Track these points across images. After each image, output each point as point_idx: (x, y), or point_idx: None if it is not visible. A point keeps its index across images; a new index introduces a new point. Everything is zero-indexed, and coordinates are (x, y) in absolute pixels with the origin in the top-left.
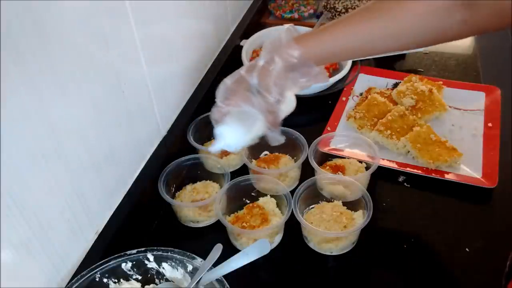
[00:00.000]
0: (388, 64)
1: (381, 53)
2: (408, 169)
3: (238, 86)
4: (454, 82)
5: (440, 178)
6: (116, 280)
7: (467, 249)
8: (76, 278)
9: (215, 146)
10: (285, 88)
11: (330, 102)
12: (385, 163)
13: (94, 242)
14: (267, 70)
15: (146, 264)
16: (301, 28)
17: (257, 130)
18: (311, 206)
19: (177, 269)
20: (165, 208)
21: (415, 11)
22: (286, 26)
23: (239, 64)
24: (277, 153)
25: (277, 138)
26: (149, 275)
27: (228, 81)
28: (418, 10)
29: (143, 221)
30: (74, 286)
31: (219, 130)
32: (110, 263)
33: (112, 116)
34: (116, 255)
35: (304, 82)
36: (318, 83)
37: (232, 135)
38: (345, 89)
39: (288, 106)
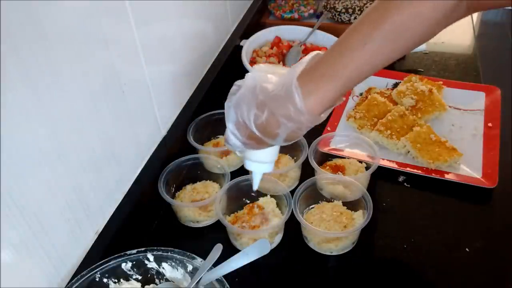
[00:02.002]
0: None
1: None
2: (408, 169)
3: (258, 143)
4: (454, 82)
5: (440, 178)
6: (116, 280)
7: (467, 249)
8: (76, 278)
9: (256, 182)
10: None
11: None
12: (385, 163)
13: (94, 242)
14: (295, 134)
15: (146, 264)
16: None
17: (276, 149)
18: (311, 206)
19: (177, 269)
20: (165, 208)
21: (420, 17)
22: (291, 72)
23: (239, 64)
24: None
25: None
26: (149, 275)
27: (239, 135)
28: (424, 17)
29: (143, 221)
30: (74, 286)
31: (249, 166)
32: (110, 263)
33: (112, 116)
34: (116, 255)
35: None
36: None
37: (263, 165)
38: None
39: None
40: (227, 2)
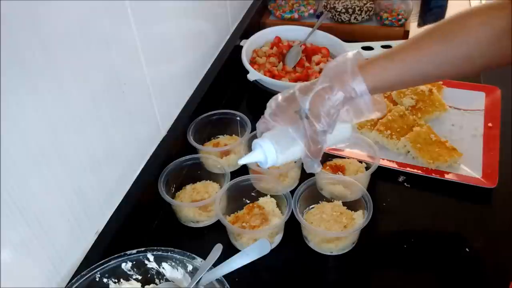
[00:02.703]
0: None
1: (446, 78)
2: (408, 169)
3: (289, 105)
4: (454, 82)
5: (440, 178)
6: (116, 280)
7: (467, 249)
8: (76, 278)
9: (245, 158)
10: (337, 120)
11: None
12: (385, 163)
13: (94, 242)
14: (322, 97)
15: (146, 264)
16: (366, 53)
17: (294, 153)
18: (311, 206)
19: (177, 269)
20: (165, 208)
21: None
22: (353, 52)
23: (239, 64)
24: None
25: (313, 167)
26: (149, 275)
27: (280, 96)
28: (485, 33)
29: (143, 221)
30: (74, 286)
31: (256, 142)
32: (110, 263)
33: (112, 116)
34: (116, 255)
35: (361, 114)
36: (376, 115)
37: (267, 151)
38: None
39: (339, 135)
40: (227, 2)
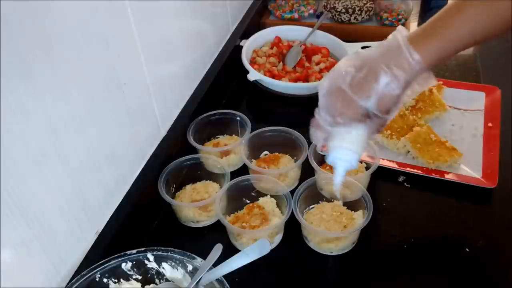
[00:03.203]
0: None
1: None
2: (408, 169)
3: (347, 108)
4: (454, 82)
5: (440, 178)
6: (116, 280)
7: (467, 249)
8: (76, 278)
9: (338, 177)
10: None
11: None
12: (385, 163)
13: (94, 242)
14: (389, 94)
15: (146, 264)
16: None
17: (364, 141)
18: (311, 206)
19: (177, 269)
20: (165, 208)
21: None
22: (398, 31)
23: (239, 64)
24: (277, 153)
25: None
26: (149, 275)
27: (327, 98)
28: None
29: (143, 221)
30: (74, 286)
31: (331, 159)
32: (110, 263)
33: (112, 116)
34: (116, 255)
35: (418, 89)
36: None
37: (345, 158)
38: None
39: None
40: (227, 2)
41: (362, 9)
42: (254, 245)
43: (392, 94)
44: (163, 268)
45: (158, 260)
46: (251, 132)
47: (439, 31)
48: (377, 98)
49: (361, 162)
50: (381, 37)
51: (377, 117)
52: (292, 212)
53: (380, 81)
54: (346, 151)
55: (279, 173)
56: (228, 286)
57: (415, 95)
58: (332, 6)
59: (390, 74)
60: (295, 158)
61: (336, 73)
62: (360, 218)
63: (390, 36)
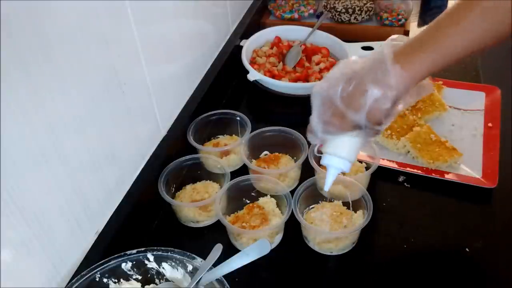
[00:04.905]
0: None
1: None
2: (408, 169)
3: (340, 121)
4: (454, 82)
5: (440, 178)
6: (116, 280)
7: (467, 249)
8: (76, 278)
9: (328, 180)
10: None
11: None
12: (385, 163)
13: (94, 242)
14: (378, 109)
15: (146, 264)
16: (366, 53)
17: (358, 148)
18: (311, 206)
19: (177, 269)
20: (165, 208)
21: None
22: (384, 46)
23: (239, 64)
24: (277, 153)
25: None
26: (149, 275)
27: (320, 108)
28: None
29: (143, 221)
30: (74, 286)
31: (328, 163)
32: (110, 263)
33: (112, 116)
34: (116, 255)
35: (411, 100)
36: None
37: (338, 164)
38: None
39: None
40: (227, 2)
41: (362, 9)
42: (254, 245)
43: (382, 108)
44: (163, 268)
45: (158, 260)
46: (251, 132)
47: (431, 45)
48: (366, 112)
49: (361, 162)
50: (381, 37)
51: (369, 128)
52: (292, 212)
53: (367, 96)
54: (337, 158)
55: (279, 173)
56: (228, 286)
57: (408, 106)
58: (332, 6)
59: (377, 89)
60: (295, 158)
61: (327, 83)
62: (360, 218)
63: (378, 49)
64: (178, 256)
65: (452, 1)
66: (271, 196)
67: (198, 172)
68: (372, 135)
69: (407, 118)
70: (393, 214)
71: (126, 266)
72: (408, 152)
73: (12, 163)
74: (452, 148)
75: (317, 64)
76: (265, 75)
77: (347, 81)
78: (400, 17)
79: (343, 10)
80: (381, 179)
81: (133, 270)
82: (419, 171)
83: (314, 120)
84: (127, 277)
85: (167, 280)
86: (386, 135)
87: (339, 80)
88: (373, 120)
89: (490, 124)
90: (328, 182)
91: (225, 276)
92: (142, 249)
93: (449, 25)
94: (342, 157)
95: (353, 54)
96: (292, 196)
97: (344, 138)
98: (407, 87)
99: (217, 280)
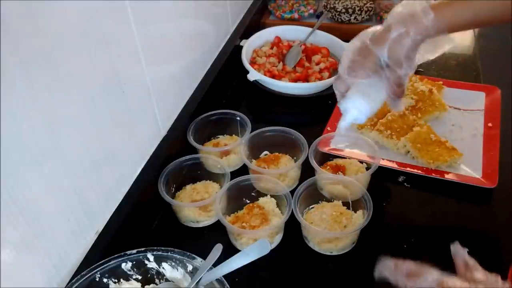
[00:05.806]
0: None
1: None
2: (408, 169)
3: (365, 58)
4: (454, 82)
5: (440, 178)
6: (116, 280)
7: (467, 249)
8: (76, 278)
9: (344, 122)
10: (416, 60)
11: (330, 102)
12: (385, 163)
13: (94, 242)
14: (400, 44)
15: (146, 264)
16: None
17: (381, 100)
18: (311, 206)
19: (177, 269)
20: (165, 208)
21: None
22: None
23: (239, 64)
24: (277, 153)
25: (398, 106)
26: (149, 275)
27: (351, 50)
28: None
29: (143, 221)
30: (74, 286)
31: (344, 105)
32: (110, 263)
33: (112, 116)
34: (116, 255)
35: (437, 50)
36: (447, 49)
37: (358, 108)
38: None
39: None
40: (227, 2)
41: (362, 9)
42: (254, 245)
43: (403, 44)
44: (163, 268)
45: (158, 260)
46: (251, 132)
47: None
48: (388, 45)
49: (361, 162)
50: None
51: (390, 69)
52: (292, 212)
53: (392, 32)
54: (362, 101)
55: (279, 173)
56: (228, 286)
57: (428, 56)
58: (332, 6)
59: (402, 26)
60: (295, 158)
61: (364, 32)
62: (360, 218)
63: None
64: (178, 256)
65: None
66: (271, 196)
67: (198, 172)
68: (394, 86)
69: (407, 118)
70: (393, 214)
71: (126, 266)
72: (408, 152)
73: (12, 163)
74: (452, 148)
75: (317, 64)
76: (265, 75)
77: (383, 26)
78: None
79: (343, 10)
80: (381, 179)
81: (133, 270)
82: (419, 171)
83: (344, 65)
84: (127, 277)
85: (167, 280)
86: (386, 135)
87: (377, 28)
88: (394, 56)
89: (490, 124)
90: (342, 124)
91: (225, 276)
92: (142, 249)
93: None
94: (366, 101)
95: None
96: (292, 196)
97: (371, 86)
98: (431, 30)
99: (217, 280)
